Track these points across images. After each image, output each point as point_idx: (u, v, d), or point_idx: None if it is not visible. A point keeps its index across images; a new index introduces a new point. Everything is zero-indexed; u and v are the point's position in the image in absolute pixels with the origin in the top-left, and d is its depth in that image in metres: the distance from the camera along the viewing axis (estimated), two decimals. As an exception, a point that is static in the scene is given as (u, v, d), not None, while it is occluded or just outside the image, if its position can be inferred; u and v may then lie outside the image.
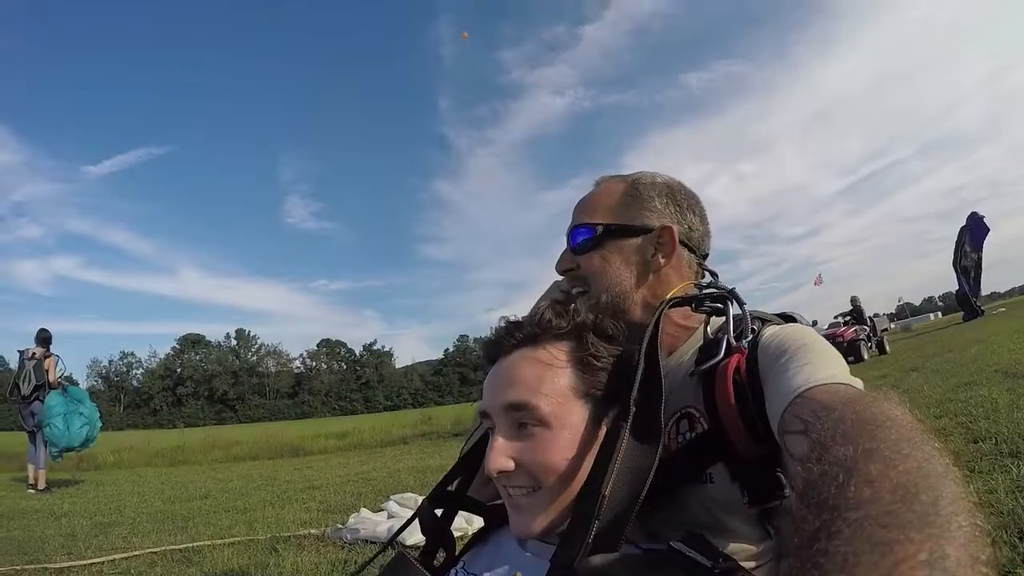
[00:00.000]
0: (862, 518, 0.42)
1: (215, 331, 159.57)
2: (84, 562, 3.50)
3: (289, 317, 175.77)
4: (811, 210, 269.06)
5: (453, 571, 0.91)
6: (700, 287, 0.98)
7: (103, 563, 3.49)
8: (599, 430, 0.80)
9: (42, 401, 7.90)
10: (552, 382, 0.80)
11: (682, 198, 1.05)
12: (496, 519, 0.96)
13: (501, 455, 0.79)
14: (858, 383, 0.70)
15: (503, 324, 0.89)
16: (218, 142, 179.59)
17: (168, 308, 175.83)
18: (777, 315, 0.96)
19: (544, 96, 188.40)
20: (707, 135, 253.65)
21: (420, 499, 4.16)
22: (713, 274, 1.04)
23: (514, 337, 0.86)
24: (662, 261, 1.00)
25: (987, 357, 8.28)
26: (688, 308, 0.95)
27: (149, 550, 3.73)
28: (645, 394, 0.76)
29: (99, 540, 4.18)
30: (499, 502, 0.95)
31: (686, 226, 1.02)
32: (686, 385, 0.88)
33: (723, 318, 0.89)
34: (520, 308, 0.93)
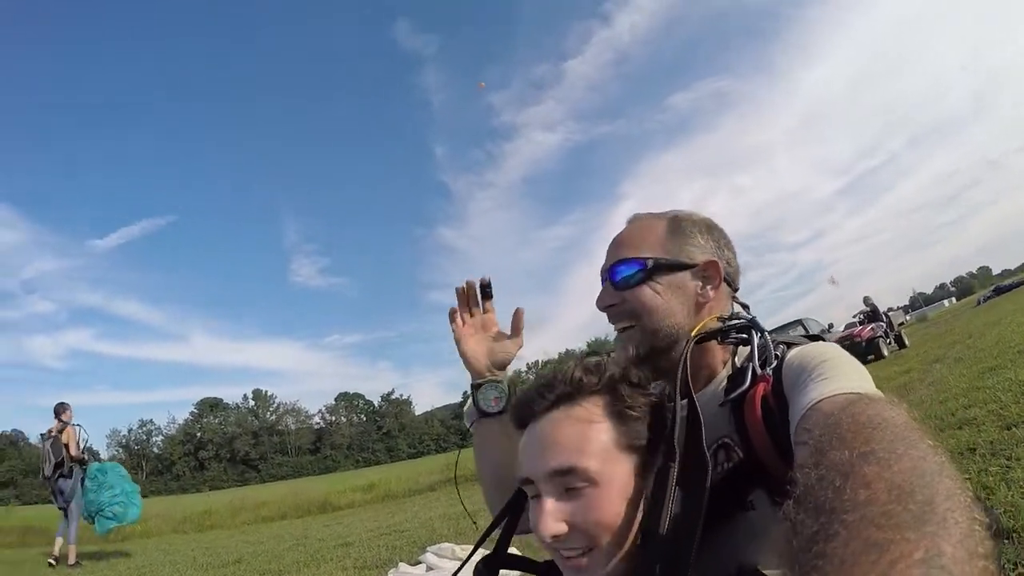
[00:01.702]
0: (858, 519, 0.43)
1: (232, 393, 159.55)
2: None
3: (305, 374, 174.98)
4: (812, 214, 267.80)
5: None
6: (723, 320, 0.98)
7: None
8: (646, 480, 0.79)
9: (67, 477, 7.74)
10: (594, 440, 0.78)
11: (719, 234, 1.07)
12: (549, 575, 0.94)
13: (553, 520, 0.76)
14: (875, 392, 0.70)
15: (532, 386, 0.87)
16: (221, 208, 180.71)
17: (183, 374, 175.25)
18: (804, 336, 0.97)
19: (536, 134, 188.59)
20: (700, 153, 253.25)
21: (457, 549, 4.11)
22: (744, 306, 1.06)
23: (546, 398, 0.83)
24: (711, 294, 1.01)
25: (1007, 338, 8.20)
26: (715, 341, 0.96)
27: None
28: (686, 430, 0.77)
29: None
30: (550, 560, 0.93)
31: (724, 261, 1.04)
32: (718, 416, 0.89)
33: (748, 348, 0.90)
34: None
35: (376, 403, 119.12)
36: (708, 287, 1.02)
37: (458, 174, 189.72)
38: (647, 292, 1.00)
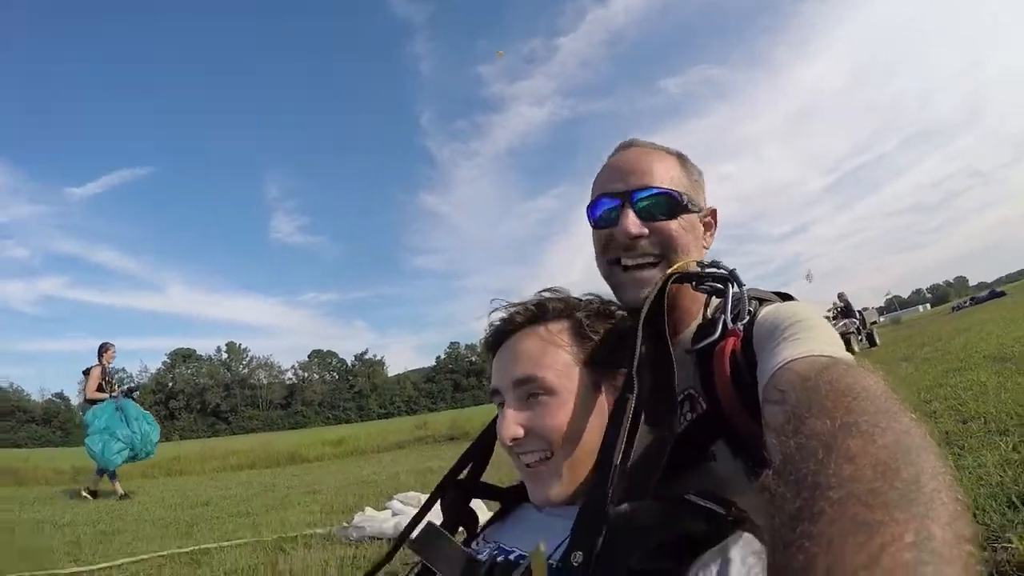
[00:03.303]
0: (844, 497, 0.41)
1: (206, 345, 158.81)
2: (91, 567, 3.52)
3: (279, 330, 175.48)
4: (797, 208, 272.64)
5: (475, 543, 0.96)
6: (702, 265, 0.95)
7: (110, 568, 3.51)
8: (599, 394, 0.87)
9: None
10: (553, 355, 0.86)
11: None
12: (513, 500, 1.00)
13: (512, 424, 0.85)
14: (847, 356, 0.68)
15: (501, 314, 0.95)
16: (202, 161, 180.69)
17: (158, 323, 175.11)
18: (775, 293, 0.95)
19: (524, 107, 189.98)
20: (689, 138, 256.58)
21: (423, 497, 4.17)
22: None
23: (515, 321, 0.93)
24: (709, 241, 1.03)
25: (975, 345, 8.42)
26: (689, 285, 0.94)
27: (156, 554, 3.76)
28: (654, 366, 0.78)
29: (104, 547, 4.19)
30: (514, 485, 1.00)
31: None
32: (684, 365, 0.88)
33: (722, 298, 0.89)
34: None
35: (349, 362, 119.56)
36: (707, 233, 1.02)
37: (443, 142, 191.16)
38: (675, 226, 0.96)
